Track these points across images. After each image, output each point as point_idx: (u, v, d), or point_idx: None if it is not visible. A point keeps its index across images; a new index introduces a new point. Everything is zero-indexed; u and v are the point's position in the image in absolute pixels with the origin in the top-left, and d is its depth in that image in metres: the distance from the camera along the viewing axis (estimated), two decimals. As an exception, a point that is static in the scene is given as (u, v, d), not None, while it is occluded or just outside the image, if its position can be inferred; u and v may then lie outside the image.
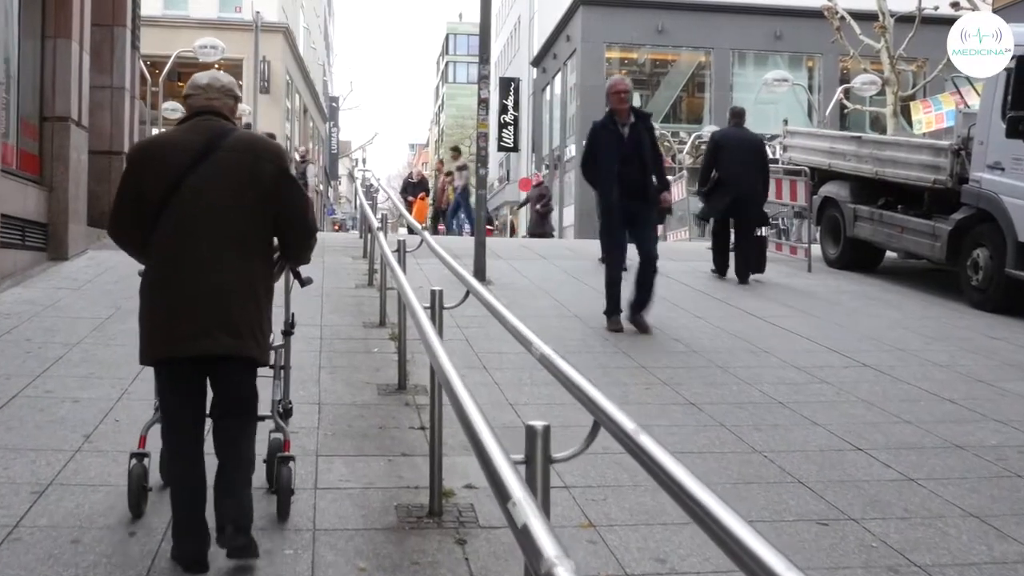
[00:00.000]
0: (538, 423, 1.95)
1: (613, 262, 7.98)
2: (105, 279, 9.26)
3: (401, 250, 6.27)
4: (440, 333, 4.02)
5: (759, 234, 11.04)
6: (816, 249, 12.36)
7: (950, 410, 5.83)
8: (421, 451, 4.78)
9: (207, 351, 3.37)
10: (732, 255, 10.68)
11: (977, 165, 9.49)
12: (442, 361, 2.69)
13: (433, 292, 3.98)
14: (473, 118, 56.50)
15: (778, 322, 8.41)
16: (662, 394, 6.03)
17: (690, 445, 5.02)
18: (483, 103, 10.46)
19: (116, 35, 12.88)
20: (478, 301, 4.93)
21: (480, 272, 9.79)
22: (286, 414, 4.24)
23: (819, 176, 12.40)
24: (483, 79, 10.35)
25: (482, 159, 10.50)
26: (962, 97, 13.72)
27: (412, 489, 4.26)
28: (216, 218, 3.42)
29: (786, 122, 15.54)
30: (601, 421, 2.18)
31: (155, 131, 23.47)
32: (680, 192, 18.72)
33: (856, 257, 11.81)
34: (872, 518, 4.09)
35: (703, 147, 30.48)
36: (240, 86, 4.27)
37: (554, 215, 39.07)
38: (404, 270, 6.21)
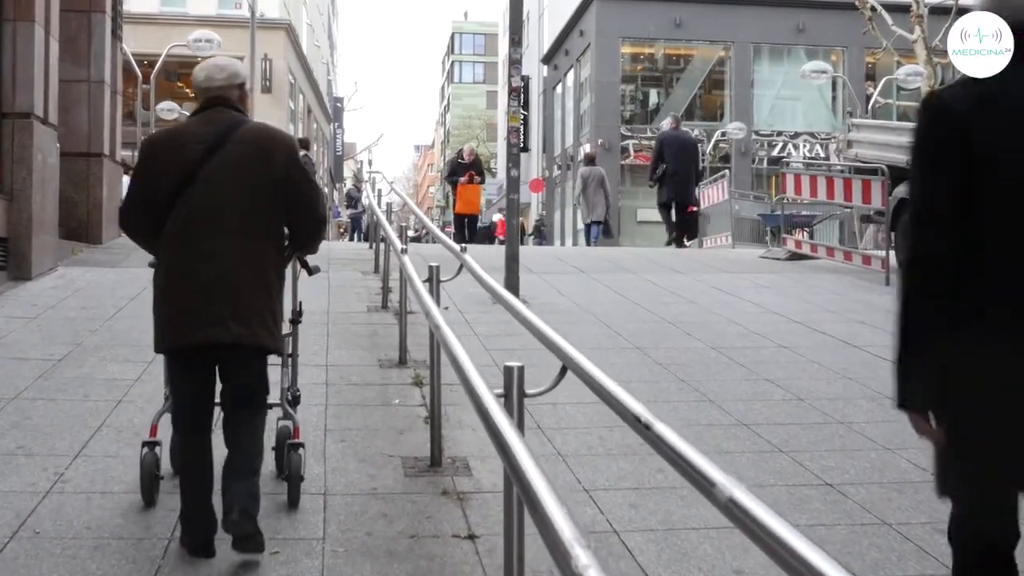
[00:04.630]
0: None
1: None
2: (71, 304, 7.79)
3: (434, 280, 4.71)
4: (521, 427, 2.58)
5: (692, 210, 14.81)
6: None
7: None
8: (475, 583, 3.29)
9: (218, 339, 3.37)
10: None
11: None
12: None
13: (509, 371, 2.48)
14: (480, 118, 55.40)
15: (883, 354, 6.88)
16: (785, 469, 4.52)
17: (858, 565, 3.51)
18: (514, 92, 8.91)
19: (94, 22, 11.38)
20: (516, 325, 3.45)
21: (513, 289, 8.25)
22: (294, 401, 4.32)
23: (892, 175, 10.82)
24: (515, 64, 8.73)
25: (513, 158, 8.99)
26: None
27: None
28: (228, 209, 3.44)
29: (851, 114, 14.02)
30: None
31: (150, 132, 22.06)
32: (721, 193, 17.08)
33: (940, 268, 10.24)
34: None
35: (721, 146, 29.30)
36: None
37: (562, 218, 37.73)
38: (437, 301, 4.72)
